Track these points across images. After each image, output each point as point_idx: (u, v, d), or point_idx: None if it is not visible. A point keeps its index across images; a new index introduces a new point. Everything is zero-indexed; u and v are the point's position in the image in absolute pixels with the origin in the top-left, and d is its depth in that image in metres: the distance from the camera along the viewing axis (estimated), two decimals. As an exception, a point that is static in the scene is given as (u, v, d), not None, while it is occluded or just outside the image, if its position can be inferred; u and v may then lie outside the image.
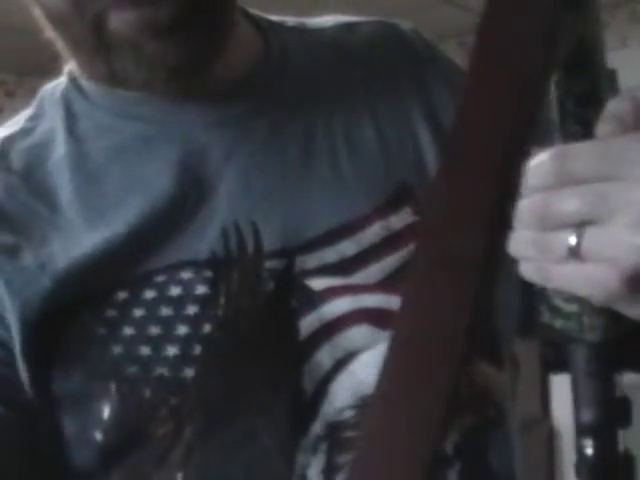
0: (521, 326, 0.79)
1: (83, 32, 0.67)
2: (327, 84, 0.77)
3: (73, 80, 0.77)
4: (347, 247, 0.70)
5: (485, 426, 0.73)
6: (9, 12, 0.67)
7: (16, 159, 0.74)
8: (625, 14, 3.71)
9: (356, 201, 0.72)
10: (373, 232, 0.71)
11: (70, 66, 0.77)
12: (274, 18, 0.82)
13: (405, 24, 0.84)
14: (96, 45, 0.67)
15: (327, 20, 0.85)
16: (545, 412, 3.29)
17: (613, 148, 0.50)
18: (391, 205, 0.73)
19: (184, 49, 0.66)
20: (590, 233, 0.49)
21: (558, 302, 0.59)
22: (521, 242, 0.56)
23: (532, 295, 0.77)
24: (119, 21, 0.65)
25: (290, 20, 0.83)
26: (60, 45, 0.73)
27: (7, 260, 0.70)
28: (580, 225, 0.49)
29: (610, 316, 0.53)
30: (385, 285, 0.70)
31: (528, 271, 0.56)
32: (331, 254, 0.70)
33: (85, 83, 0.76)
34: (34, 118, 0.78)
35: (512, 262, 0.62)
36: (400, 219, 0.72)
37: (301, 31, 0.82)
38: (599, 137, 0.50)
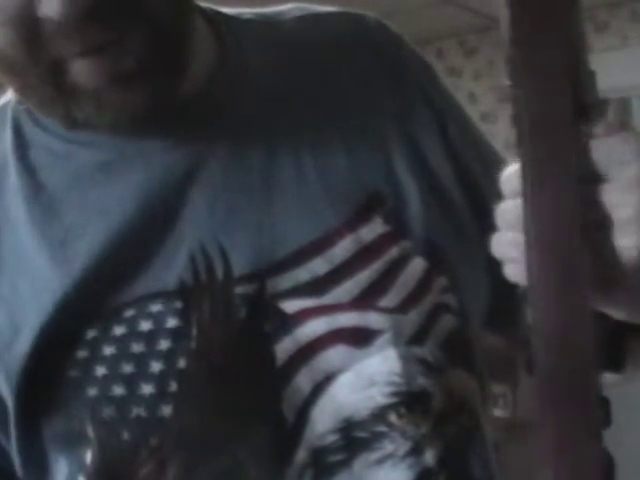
0: (499, 324, 0.79)
1: (37, 79, 0.63)
2: (289, 91, 0.74)
3: (20, 100, 0.72)
4: (318, 266, 0.68)
5: (465, 435, 0.72)
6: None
7: None
8: (626, 14, 3.71)
9: (324, 215, 0.70)
10: (344, 247, 0.69)
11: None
12: (229, 11, 0.78)
13: (370, 16, 0.81)
14: (53, 93, 0.63)
15: (288, 10, 0.80)
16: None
17: (598, 150, 0.50)
18: (361, 215, 0.70)
19: (150, 94, 0.63)
20: None
21: None
22: (505, 243, 0.56)
23: (513, 294, 0.77)
24: (79, 70, 0.61)
25: (247, 13, 0.79)
26: (5, 82, 0.68)
27: None
28: None
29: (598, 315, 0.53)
30: (359, 302, 0.68)
31: (512, 272, 0.57)
32: (303, 274, 0.68)
33: None
34: None
35: (485, 259, 0.63)
36: (371, 230, 0.70)
37: (259, 27, 0.77)
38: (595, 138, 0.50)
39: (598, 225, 0.53)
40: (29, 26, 0.60)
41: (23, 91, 0.66)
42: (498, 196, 0.57)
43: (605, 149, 0.51)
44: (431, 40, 3.60)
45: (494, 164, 0.72)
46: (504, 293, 0.77)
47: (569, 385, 0.51)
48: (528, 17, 0.53)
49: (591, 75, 0.54)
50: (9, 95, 0.74)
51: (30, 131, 0.72)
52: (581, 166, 0.51)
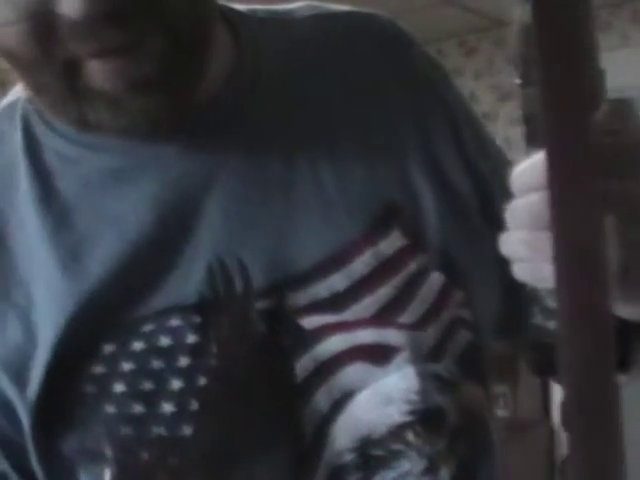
0: (508, 329, 0.79)
1: (51, 78, 0.60)
2: (305, 99, 0.72)
3: (28, 96, 0.69)
4: (337, 281, 0.67)
5: (476, 448, 0.72)
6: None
7: None
8: (627, 14, 3.71)
9: (343, 227, 0.68)
10: (363, 262, 0.67)
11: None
12: (244, 9, 0.76)
13: (383, 16, 0.79)
14: (66, 93, 0.61)
15: (299, 8, 0.78)
16: (545, 412, 3.28)
17: (610, 147, 0.50)
18: (379, 228, 0.69)
19: (167, 99, 0.61)
20: None
21: (550, 303, 0.59)
22: (515, 242, 0.55)
23: (523, 297, 0.77)
24: (96, 72, 0.59)
25: (260, 10, 0.76)
26: (18, 77, 0.65)
27: None
28: None
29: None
30: (379, 318, 0.67)
31: (521, 272, 0.56)
32: (322, 289, 0.66)
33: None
34: None
35: (497, 265, 0.62)
36: (390, 244, 0.69)
37: (274, 27, 0.75)
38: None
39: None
40: (46, 23, 0.58)
41: (36, 90, 0.64)
42: (507, 197, 0.56)
43: (620, 146, 0.51)
44: (431, 40, 3.60)
45: (502, 166, 0.72)
46: (514, 301, 0.77)
47: (594, 395, 0.50)
48: (547, 16, 0.52)
49: (601, 74, 0.54)
50: (17, 93, 0.72)
51: (41, 132, 0.69)
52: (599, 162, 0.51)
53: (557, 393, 3.23)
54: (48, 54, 0.59)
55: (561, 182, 0.50)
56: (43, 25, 0.58)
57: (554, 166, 0.50)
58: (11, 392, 0.65)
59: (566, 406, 0.50)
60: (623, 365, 0.64)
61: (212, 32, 0.66)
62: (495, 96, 3.93)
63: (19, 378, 0.64)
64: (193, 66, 0.63)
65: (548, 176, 0.49)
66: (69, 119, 0.64)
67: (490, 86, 3.99)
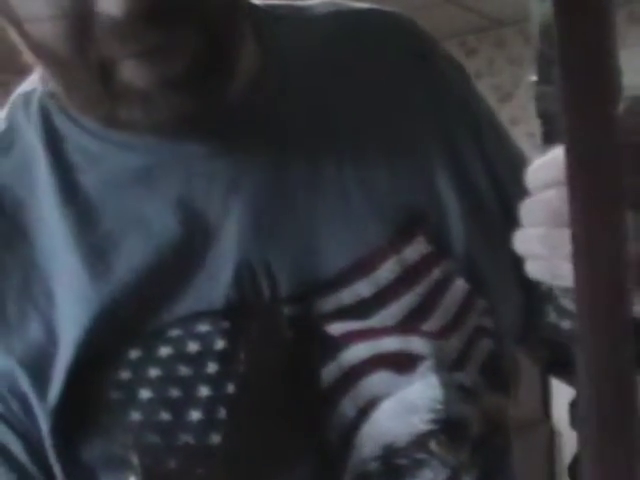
0: (521, 328, 0.79)
1: (85, 77, 0.60)
2: (329, 102, 0.71)
3: (50, 90, 0.68)
4: (363, 288, 0.66)
5: (498, 460, 0.72)
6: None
7: (3, 192, 0.67)
8: (624, 15, 3.71)
9: (368, 234, 0.67)
10: (388, 269, 0.67)
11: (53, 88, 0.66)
12: (263, 5, 0.75)
13: (404, 15, 0.77)
14: (100, 91, 0.60)
15: (318, 4, 0.77)
16: (545, 412, 3.28)
17: (633, 144, 0.50)
18: (404, 234, 0.68)
19: (198, 96, 0.60)
20: None
21: (565, 302, 0.59)
22: (530, 239, 0.55)
23: (537, 295, 0.76)
24: (129, 70, 0.58)
25: (279, 6, 0.75)
26: (46, 74, 0.64)
27: (16, 337, 0.63)
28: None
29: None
30: (403, 326, 0.66)
31: (536, 269, 0.56)
32: (347, 296, 0.66)
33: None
34: (8, 135, 0.69)
35: (516, 268, 0.62)
36: (414, 250, 0.68)
37: (296, 26, 0.74)
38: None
39: None
40: (84, 21, 0.57)
41: (68, 87, 0.63)
42: (522, 194, 0.56)
43: (636, 143, 0.51)
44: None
45: (522, 166, 0.72)
46: (534, 308, 0.76)
47: (610, 396, 0.50)
48: (568, 14, 0.52)
49: (619, 72, 0.53)
50: (31, 84, 0.71)
51: (62, 125, 0.68)
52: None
53: (557, 393, 3.23)
54: (84, 52, 0.58)
55: (583, 180, 0.50)
56: (81, 23, 0.57)
57: (576, 165, 0.50)
58: (30, 394, 0.63)
59: (581, 408, 0.49)
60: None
61: (243, 30, 0.66)
62: (495, 96, 3.93)
63: (39, 378, 0.63)
64: (224, 64, 0.62)
65: (568, 175, 0.49)
66: (99, 116, 0.63)
67: (490, 86, 3.99)
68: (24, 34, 0.60)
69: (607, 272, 0.49)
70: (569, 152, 0.50)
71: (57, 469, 0.64)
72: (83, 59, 0.58)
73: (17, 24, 0.60)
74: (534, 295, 0.75)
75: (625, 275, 0.49)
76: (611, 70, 0.51)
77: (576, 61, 0.51)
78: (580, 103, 0.51)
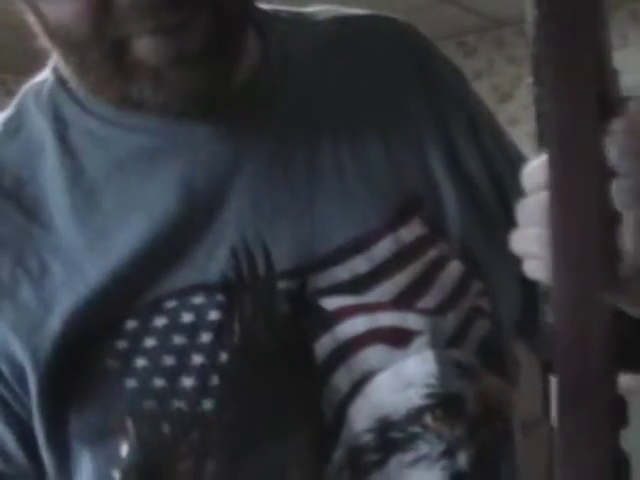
0: (521, 327, 0.79)
1: (99, 55, 0.62)
2: (328, 92, 0.74)
3: (60, 79, 0.71)
4: (359, 264, 0.68)
5: (497, 441, 0.72)
6: (8, 11, 0.64)
7: (5, 170, 0.69)
8: (625, 14, 3.71)
9: (365, 214, 0.70)
10: (384, 247, 0.69)
11: (63, 71, 0.70)
12: (266, 8, 0.78)
13: (401, 20, 0.81)
14: (112, 69, 0.62)
15: (320, 11, 0.80)
16: (545, 412, 3.29)
17: (624, 144, 0.50)
18: (401, 216, 0.70)
19: (207, 75, 0.63)
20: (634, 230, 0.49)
21: None
22: (527, 239, 0.56)
23: (535, 295, 0.76)
24: (145, 48, 0.60)
25: (283, 11, 0.79)
26: (58, 58, 0.67)
27: (8, 301, 0.66)
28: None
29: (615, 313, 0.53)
30: (399, 302, 0.68)
31: (533, 269, 0.56)
32: (343, 272, 0.68)
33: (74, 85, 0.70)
34: (16, 119, 0.72)
35: (514, 263, 0.63)
36: (410, 231, 0.70)
37: (297, 25, 0.78)
38: (610, 134, 0.51)
39: (616, 221, 0.52)
40: (101, 2, 0.59)
41: (81, 68, 0.65)
42: (520, 193, 0.56)
43: (630, 145, 0.51)
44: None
45: (519, 165, 0.73)
46: (533, 301, 0.77)
47: (587, 385, 0.51)
48: (556, 16, 0.52)
49: (614, 73, 0.54)
50: (44, 75, 0.73)
51: (69, 110, 0.70)
52: (604, 163, 0.51)
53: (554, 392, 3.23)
54: (100, 30, 0.60)
55: (559, 179, 0.50)
56: (99, 4, 0.59)
57: (554, 164, 0.50)
58: (22, 356, 0.65)
59: (560, 394, 0.50)
60: (636, 364, 0.64)
61: (251, 11, 0.68)
62: (495, 96, 3.94)
63: (30, 343, 0.65)
64: (232, 47, 0.65)
65: (549, 173, 0.50)
66: (110, 97, 0.66)
67: (490, 86, 3.99)
68: (40, 15, 0.63)
69: (583, 264, 0.50)
70: (549, 152, 0.51)
71: (44, 446, 0.65)
72: (99, 37, 0.60)
73: (34, 5, 0.63)
74: (534, 292, 0.75)
75: (600, 265, 0.49)
76: (599, 73, 0.51)
77: (563, 64, 0.52)
78: (562, 104, 0.52)
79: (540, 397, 3.36)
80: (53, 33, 0.63)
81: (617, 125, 0.51)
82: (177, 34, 0.60)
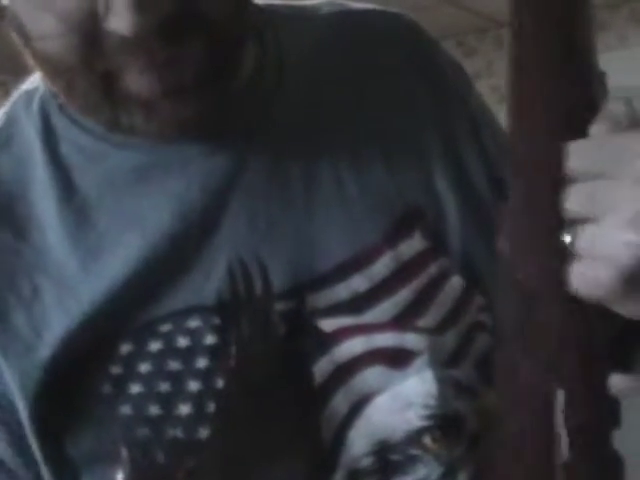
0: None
1: (88, 84, 0.60)
2: (328, 100, 0.71)
3: (50, 90, 0.68)
4: (358, 283, 0.66)
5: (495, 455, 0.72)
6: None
7: None
8: (625, 14, 3.71)
9: (364, 229, 0.68)
10: (383, 264, 0.67)
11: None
12: (264, 5, 0.75)
13: (405, 15, 0.78)
14: (101, 98, 0.61)
15: (321, 6, 0.77)
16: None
17: (606, 146, 0.50)
18: (401, 230, 0.69)
19: (201, 105, 0.61)
20: (584, 231, 0.49)
21: None
22: None
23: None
24: (135, 82, 0.59)
25: (281, 6, 0.76)
26: (45, 79, 0.65)
27: None
28: (574, 223, 0.49)
29: (604, 315, 0.53)
30: (398, 322, 0.67)
31: None
32: (342, 291, 0.66)
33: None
34: (7, 130, 0.70)
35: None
36: (410, 246, 0.68)
37: (297, 21, 0.75)
38: (593, 136, 0.51)
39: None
40: (91, 37, 0.58)
41: (69, 94, 0.64)
42: None
43: (612, 146, 0.51)
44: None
45: None
46: None
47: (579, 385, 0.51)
48: (530, 18, 0.53)
49: (600, 76, 0.54)
50: (34, 81, 0.71)
51: (61, 125, 0.69)
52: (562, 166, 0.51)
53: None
54: (89, 64, 0.59)
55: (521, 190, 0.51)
56: (89, 39, 0.58)
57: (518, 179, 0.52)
58: (10, 380, 0.64)
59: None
60: (628, 365, 0.64)
61: (247, 38, 0.67)
62: (495, 97, 3.93)
63: (19, 367, 0.64)
64: (228, 72, 0.63)
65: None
66: (99, 121, 0.64)
67: (490, 87, 3.98)
68: (31, 48, 0.62)
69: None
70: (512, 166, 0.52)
71: (43, 468, 0.64)
72: (87, 70, 0.59)
73: (27, 39, 0.62)
74: None
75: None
76: (564, 76, 0.52)
77: (519, 67, 0.52)
78: (518, 110, 0.52)
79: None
80: (41, 61, 0.62)
81: (600, 126, 0.51)
82: (169, 69, 0.59)
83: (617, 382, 0.52)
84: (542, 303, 0.51)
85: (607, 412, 0.52)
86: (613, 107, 0.50)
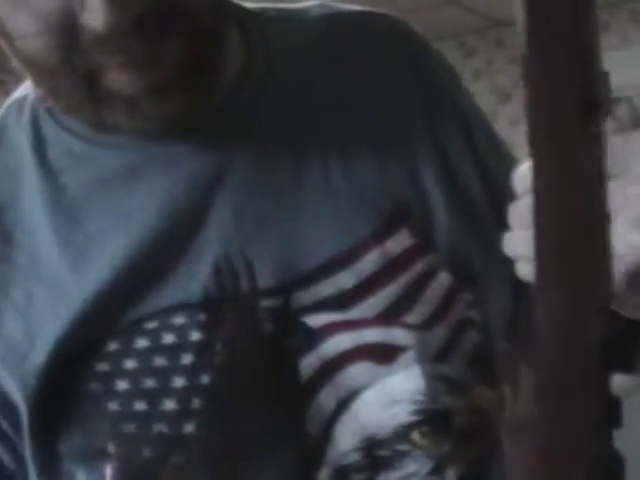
0: (513, 329, 0.79)
1: (71, 84, 0.61)
2: (316, 98, 0.72)
3: (39, 95, 0.69)
4: (345, 279, 0.67)
5: (486, 451, 0.71)
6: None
7: None
8: (625, 14, 3.71)
9: (352, 226, 0.68)
10: (371, 260, 0.67)
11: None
12: (253, 7, 0.76)
13: (396, 17, 0.78)
14: (85, 97, 0.61)
15: (312, 8, 0.77)
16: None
17: (612, 147, 0.50)
18: (388, 227, 0.69)
19: (184, 99, 0.62)
20: None
21: None
22: (517, 242, 0.56)
23: (527, 296, 0.76)
24: (116, 79, 0.60)
25: (271, 9, 0.76)
26: (31, 81, 0.66)
27: None
28: None
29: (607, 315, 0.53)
30: (385, 318, 0.67)
31: (524, 271, 0.56)
32: (328, 287, 0.66)
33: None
34: None
35: (507, 266, 0.63)
36: (398, 243, 0.69)
37: (285, 24, 0.75)
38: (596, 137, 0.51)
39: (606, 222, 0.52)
40: (69, 35, 0.59)
41: (52, 94, 0.64)
42: (512, 196, 0.57)
43: (619, 146, 0.51)
44: (431, 40, 3.60)
45: (511, 166, 0.72)
46: (524, 303, 0.77)
47: (577, 387, 0.51)
48: (540, 18, 0.52)
49: (604, 75, 0.54)
50: (25, 89, 0.72)
51: (50, 130, 0.69)
52: (589, 165, 0.51)
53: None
54: (70, 63, 0.60)
55: (543, 184, 0.51)
56: (67, 37, 0.59)
57: (539, 169, 0.51)
58: (12, 388, 0.65)
59: (551, 394, 0.50)
60: (630, 365, 0.64)
61: (228, 35, 0.67)
62: (495, 97, 3.93)
63: (18, 374, 0.64)
64: (208, 67, 0.64)
65: (533, 178, 0.50)
66: (85, 120, 0.65)
67: (490, 87, 3.99)
68: (14, 47, 0.62)
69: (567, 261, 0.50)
70: (531, 156, 0.52)
71: (32, 468, 0.65)
72: (69, 69, 0.60)
73: (8, 39, 0.62)
74: (526, 295, 0.75)
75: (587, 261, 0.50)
76: (583, 75, 0.52)
77: (545, 66, 0.52)
78: (539, 106, 0.52)
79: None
80: (24, 61, 0.63)
81: (606, 127, 0.51)
82: (148, 65, 0.59)
83: (618, 382, 0.52)
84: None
85: (608, 412, 0.52)
86: (617, 108, 0.50)
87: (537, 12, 0.53)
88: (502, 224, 0.70)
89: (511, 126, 3.58)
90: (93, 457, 0.64)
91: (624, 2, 3.64)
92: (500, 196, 0.73)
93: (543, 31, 0.52)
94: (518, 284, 0.60)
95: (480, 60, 3.99)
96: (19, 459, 0.66)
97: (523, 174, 0.55)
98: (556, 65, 0.52)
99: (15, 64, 0.64)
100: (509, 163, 0.77)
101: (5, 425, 0.66)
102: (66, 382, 0.64)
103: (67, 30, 0.58)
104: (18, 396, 0.64)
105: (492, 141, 0.79)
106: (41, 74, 0.63)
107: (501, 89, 3.99)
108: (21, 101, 0.72)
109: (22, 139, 0.69)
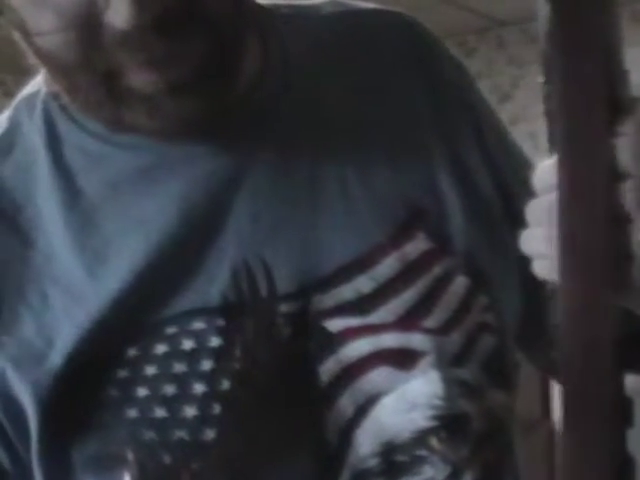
0: (522, 332, 0.78)
1: (90, 82, 0.61)
2: (332, 102, 0.71)
3: (52, 92, 0.68)
4: (363, 283, 0.66)
5: (501, 456, 0.71)
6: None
7: (1, 192, 0.67)
8: (625, 14, 3.71)
9: (369, 230, 0.68)
10: (388, 265, 0.67)
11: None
12: (267, 4, 0.75)
13: (407, 15, 0.78)
14: (104, 96, 0.61)
15: (323, 4, 0.77)
16: (545, 412, 3.28)
17: (635, 145, 0.50)
18: (405, 231, 0.69)
19: (203, 100, 0.61)
20: None
21: None
22: (535, 239, 0.56)
23: (542, 296, 0.76)
24: (137, 78, 0.59)
25: (283, 6, 0.76)
26: (48, 77, 0.65)
27: (8, 335, 0.64)
28: None
29: (622, 314, 0.53)
30: (404, 322, 0.67)
31: (542, 268, 0.56)
32: (347, 292, 0.66)
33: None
34: (10, 135, 0.69)
35: (517, 267, 0.62)
36: (415, 247, 0.68)
37: (300, 22, 0.74)
38: (620, 135, 0.51)
39: (627, 221, 0.52)
40: (91, 32, 0.58)
41: (71, 92, 0.64)
42: (528, 196, 0.57)
43: (637, 146, 0.51)
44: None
45: (523, 166, 0.72)
46: (536, 306, 0.76)
47: (592, 385, 0.51)
48: (566, 15, 0.52)
49: (625, 73, 0.54)
50: (36, 84, 0.71)
51: (64, 127, 0.68)
52: (613, 164, 0.51)
53: (557, 393, 3.23)
54: (91, 61, 0.59)
55: (568, 180, 0.50)
56: (89, 34, 0.58)
57: (564, 166, 0.51)
58: (22, 391, 0.64)
59: (566, 395, 0.50)
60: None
61: (247, 35, 0.66)
62: (495, 96, 3.93)
63: (31, 377, 0.63)
64: (229, 67, 0.63)
65: (558, 174, 0.50)
66: (103, 119, 0.64)
67: (490, 86, 3.99)
68: (33, 44, 0.62)
69: (589, 269, 0.50)
70: (559, 153, 0.51)
71: (37, 472, 0.64)
72: (89, 67, 0.59)
73: (27, 35, 0.62)
74: (538, 295, 0.75)
75: (607, 271, 0.49)
76: (608, 73, 0.51)
77: (571, 64, 0.52)
78: (569, 104, 0.52)
79: (540, 397, 3.36)
80: (42, 58, 0.62)
81: (627, 126, 0.51)
82: (169, 64, 0.59)
83: (631, 382, 0.52)
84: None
85: (620, 412, 0.51)
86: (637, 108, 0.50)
87: (562, 11, 0.53)
88: (511, 222, 0.70)
89: (511, 126, 3.58)
90: (108, 465, 0.63)
91: (624, 3, 3.64)
92: (510, 194, 0.74)
93: (567, 30, 0.52)
94: (528, 286, 0.60)
95: (480, 60, 3.99)
96: (21, 467, 0.65)
97: (544, 172, 0.55)
98: (580, 64, 0.51)
99: (31, 60, 0.64)
100: (519, 161, 0.77)
101: (9, 431, 0.65)
102: (82, 387, 0.63)
103: (89, 27, 0.58)
104: (28, 400, 0.63)
105: (503, 141, 0.79)
106: (59, 71, 0.62)
107: (501, 89, 4.00)
108: (32, 97, 0.71)
109: (36, 137, 0.69)
